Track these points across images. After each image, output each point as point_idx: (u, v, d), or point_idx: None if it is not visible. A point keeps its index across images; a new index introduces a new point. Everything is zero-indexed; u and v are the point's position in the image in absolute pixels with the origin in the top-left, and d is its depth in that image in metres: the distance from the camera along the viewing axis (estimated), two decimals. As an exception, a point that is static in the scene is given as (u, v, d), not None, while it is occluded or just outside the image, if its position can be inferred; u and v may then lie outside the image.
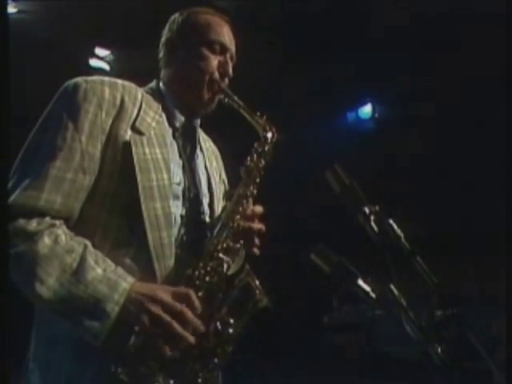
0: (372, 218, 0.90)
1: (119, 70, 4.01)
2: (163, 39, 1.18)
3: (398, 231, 0.90)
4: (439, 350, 0.88)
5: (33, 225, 0.89)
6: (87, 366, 0.91)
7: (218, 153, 1.31)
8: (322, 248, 0.92)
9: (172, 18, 1.19)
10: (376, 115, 5.07)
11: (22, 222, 0.89)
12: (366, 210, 0.91)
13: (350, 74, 4.49)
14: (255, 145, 1.13)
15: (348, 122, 5.20)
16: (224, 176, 1.30)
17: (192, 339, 0.90)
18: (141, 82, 1.15)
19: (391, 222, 0.91)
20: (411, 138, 4.79)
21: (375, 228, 0.90)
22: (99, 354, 0.89)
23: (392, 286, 0.87)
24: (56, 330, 0.94)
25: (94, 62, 3.97)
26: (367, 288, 0.88)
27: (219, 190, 1.21)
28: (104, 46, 3.96)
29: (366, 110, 5.08)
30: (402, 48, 4.14)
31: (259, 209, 1.12)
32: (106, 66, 4.00)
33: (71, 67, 3.56)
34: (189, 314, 0.90)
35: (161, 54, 1.18)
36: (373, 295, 0.87)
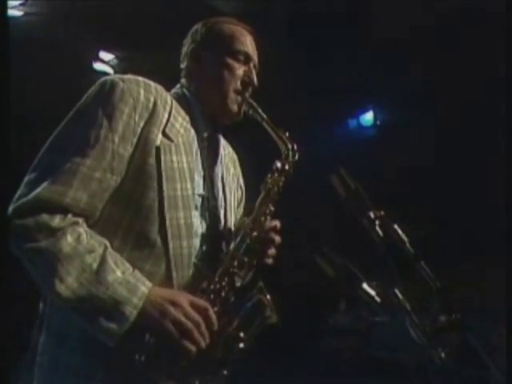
0: (377, 222, 0.91)
1: (123, 73, 4.04)
2: (186, 49, 1.18)
3: (403, 236, 0.91)
4: (442, 354, 0.89)
5: (56, 221, 0.89)
6: (98, 364, 0.92)
7: (236, 158, 1.30)
8: (327, 251, 0.92)
9: (194, 28, 1.19)
10: (378, 122, 5.09)
11: (45, 217, 0.88)
12: (371, 214, 0.92)
13: (352, 81, 4.51)
14: (276, 161, 1.13)
15: (350, 128, 5.22)
16: (242, 182, 1.29)
17: (203, 344, 0.90)
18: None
19: (396, 226, 0.92)
20: (412, 144, 4.81)
21: (380, 233, 0.91)
22: (110, 353, 0.89)
23: (396, 291, 0.87)
24: (68, 327, 0.94)
25: (98, 66, 4.00)
26: (372, 292, 0.88)
27: (234, 199, 1.21)
28: (108, 49, 3.98)
29: (368, 117, 5.10)
30: (404, 55, 4.17)
31: (277, 223, 1.13)
32: (110, 70, 4.03)
33: (76, 71, 3.58)
34: (203, 326, 0.90)
35: (184, 64, 1.18)
36: (378, 299, 0.88)
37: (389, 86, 4.58)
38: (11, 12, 3.48)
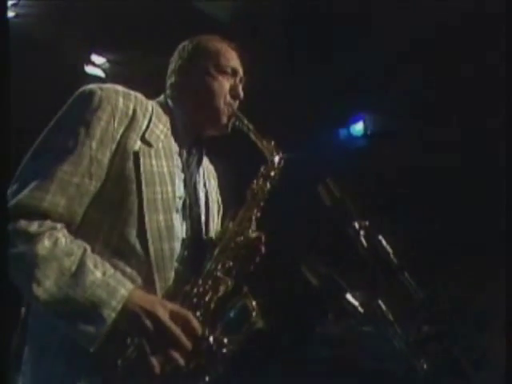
0: (362, 232, 0.92)
1: (114, 77, 4.03)
2: (174, 66, 1.21)
3: (387, 247, 0.92)
4: (425, 365, 0.89)
5: (34, 226, 0.89)
6: (80, 372, 0.90)
7: (214, 172, 1.33)
8: (312, 260, 0.93)
9: (181, 46, 1.22)
10: (368, 132, 5.13)
11: (23, 222, 0.89)
12: (356, 224, 0.92)
13: (343, 91, 4.55)
14: (262, 168, 1.15)
15: (340, 138, 5.26)
16: (219, 196, 1.30)
17: (182, 361, 0.89)
18: (134, 90, 1.16)
19: (380, 237, 0.93)
20: (403, 154, 4.86)
21: (364, 243, 0.92)
22: (92, 361, 0.88)
23: (380, 302, 0.88)
24: (49, 335, 0.93)
25: (89, 69, 3.99)
26: (355, 303, 0.89)
27: (215, 207, 1.22)
28: (100, 53, 3.98)
29: (358, 127, 5.14)
30: (394, 66, 4.22)
31: (261, 236, 1.12)
32: (102, 74, 4.01)
33: (67, 73, 3.56)
34: (182, 337, 0.89)
35: (172, 80, 1.20)
36: (361, 310, 0.88)
37: (379, 97, 4.63)
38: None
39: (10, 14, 3.47)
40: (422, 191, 4.87)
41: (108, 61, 4.05)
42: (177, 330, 0.89)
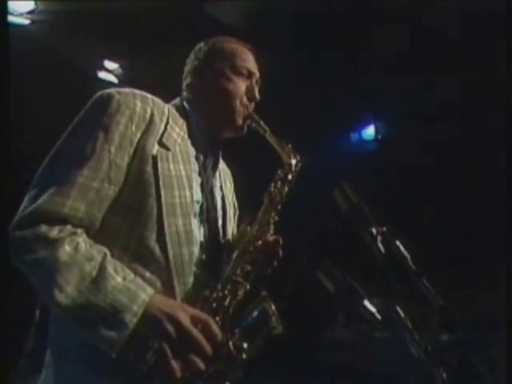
0: (379, 238, 0.91)
1: (127, 82, 4.07)
2: (189, 67, 1.21)
3: (405, 252, 0.90)
4: (444, 374, 0.88)
5: (54, 232, 0.89)
6: (101, 376, 0.90)
7: (230, 175, 1.32)
8: (328, 265, 0.92)
9: (197, 47, 1.23)
10: (379, 137, 5.10)
11: (44, 228, 0.89)
12: (374, 230, 0.91)
13: (354, 95, 4.54)
14: (279, 171, 1.15)
15: (351, 142, 5.23)
16: (235, 198, 1.30)
17: (202, 366, 0.89)
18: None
19: (398, 243, 0.91)
20: (414, 158, 4.82)
21: (382, 248, 0.91)
22: (112, 365, 0.88)
23: (398, 308, 0.87)
24: (69, 340, 0.94)
25: (102, 75, 4.03)
26: (373, 309, 0.87)
27: (232, 211, 1.22)
28: (113, 59, 4.02)
29: (369, 131, 5.11)
30: (405, 69, 4.19)
31: (279, 239, 1.13)
32: (115, 79, 4.05)
33: (80, 79, 3.60)
34: (203, 342, 0.89)
35: (187, 81, 1.20)
36: (378, 317, 0.87)
37: (390, 100, 4.61)
38: (18, 20, 3.52)
39: (26, 21, 3.53)
40: (434, 194, 4.82)
41: (120, 66, 4.09)
42: (198, 334, 0.89)
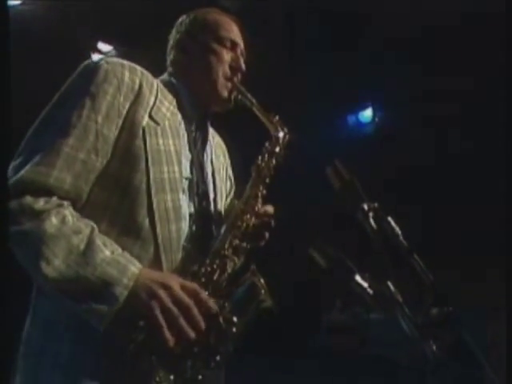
0: (371, 214, 0.91)
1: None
2: (172, 42, 1.19)
3: (397, 229, 0.90)
4: (434, 347, 0.89)
5: (40, 203, 0.88)
6: (87, 351, 0.90)
7: (225, 148, 1.31)
8: (321, 243, 0.92)
9: (179, 20, 1.20)
10: (376, 119, 5.07)
11: (29, 199, 0.87)
12: (365, 206, 0.91)
13: (351, 78, 4.50)
14: (266, 144, 1.13)
15: (348, 125, 5.21)
16: (230, 172, 1.29)
17: (193, 335, 0.89)
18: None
19: (390, 219, 0.92)
20: (412, 141, 4.81)
21: (373, 225, 0.91)
22: (100, 340, 0.88)
23: (389, 283, 0.87)
24: (55, 314, 0.93)
25: (96, 57, 3.98)
26: (364, 284, 0.88)
27: (224, 185, 1.21)
28: (107, 41, 3.96)
29: (367, 113, 5.09)
30: (404, 52, 4.15)
31: (270, 209, 1.13)
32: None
33: (73, 61, 3.56)
34: (195, 309, 0.90)
35: (171, 56, 1.18)
36: (370, 291, 0.87)
37: (388, 83, 4.57)
38: (9, 1, 3.46)
39: (17, 1, 3.46)
40: (431, 179, 4.82)
41: (115, 48, 4.04)
42: (189, 301, 0.89)
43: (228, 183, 1.26)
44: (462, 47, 3.94)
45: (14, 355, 0.93)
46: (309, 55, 4.27)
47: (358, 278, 0.88)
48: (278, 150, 1.13)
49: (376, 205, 0.92)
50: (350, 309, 6.14)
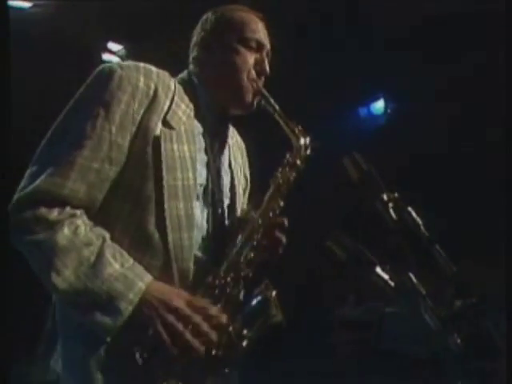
0: (390, 205, 0.89)
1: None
2: (196, 39, 1.15)
3: (417, 219, 0.88)
4: (458, 340, 0.87)
5: (54, 214, 0.89)
6: (97, 355, 0.90)
7: (243, 147, 1.27)
8: (339, 234, 0.91)
9: (204, 17, 1.15)
10: (388, 111, 5.02)
11: (43, 210, 0.88)
12: (385, 196, 0.89)
13: (363, 70, 4.45)
14: (287, 156, 1.09)
15: (360, 117, 5.16)
16: (247, 171, 1.26)
17: (202, 350, 0.89)
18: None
19: (410, 209, 0.90)
20: (423, 134, 4.75)
21: (394, 215, 0.89)
22: (108, 350, 0.89)
23: (411, 274, 0.85)
24: (69, 321, 0.94)
25: (106, 57, 4.00)
26: (385, 276, 0.86)
27: (241, 189, 1.18)
28: (117, 40, 3.98)
29: (379, 105, 5.03)
30: (415, 41, 4.10)
31: (284, 221, 1.09)
32: (119, 61, 4.03)
33: (84, 61, 3.58)
34: (204, 325, 0.89)
35: (194, 54, 1.14)
36: (391, 283, 0.86)
37: (400, 74, 4.51)
38: (19, 3, 3.48)
39: (27, 4, 3.49)
40: (444, 169, 4.75)
41: (125, 48, 4.05)
42: (197, 317, 0.88)
43: (243, 182, 1.22)
44: (474, 36, 3.87)
45: (13, 355, 0.94)
46: (320, 47, 4.24)
47: (378, 270, 0.86)
48: (298, 162, 1.08)
49: (396, 195, 0.90)
50: (363, 304, 6.09)
